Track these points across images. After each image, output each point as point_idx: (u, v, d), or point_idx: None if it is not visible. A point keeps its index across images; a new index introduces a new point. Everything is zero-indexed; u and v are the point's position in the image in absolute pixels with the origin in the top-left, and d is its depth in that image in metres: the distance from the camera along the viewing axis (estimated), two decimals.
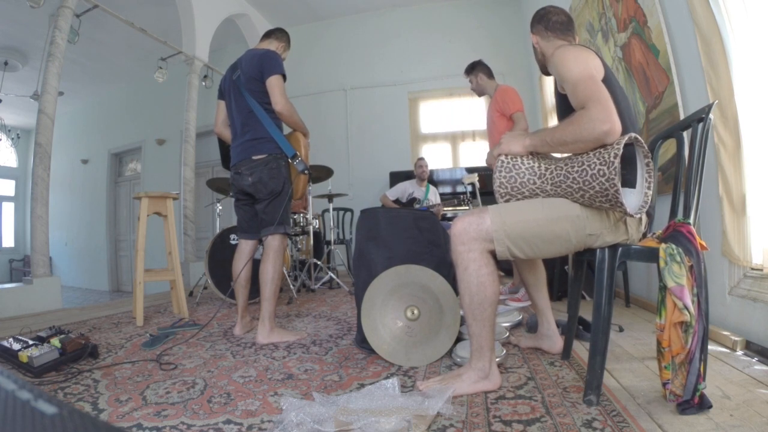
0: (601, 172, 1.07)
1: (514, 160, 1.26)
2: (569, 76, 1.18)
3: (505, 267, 3.36)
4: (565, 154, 1.23)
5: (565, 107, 1.29)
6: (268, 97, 1.98)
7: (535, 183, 1.23)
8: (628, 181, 1.15)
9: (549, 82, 4.13)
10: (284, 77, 2.00)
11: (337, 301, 2.99)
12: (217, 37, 5.05)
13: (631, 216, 1.08)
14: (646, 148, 1.12)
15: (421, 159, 4.38)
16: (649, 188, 1.12)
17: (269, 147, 1.99)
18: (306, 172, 2.04)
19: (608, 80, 1.21)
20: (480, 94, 2.96)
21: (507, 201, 1.28)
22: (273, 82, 1.96)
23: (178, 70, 5.13)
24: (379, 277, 1.63)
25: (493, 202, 1.36)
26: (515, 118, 2.70)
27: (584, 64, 1.18)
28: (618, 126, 1.08)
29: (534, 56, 1.51)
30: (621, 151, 1.04)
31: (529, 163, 1.24)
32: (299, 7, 5.63)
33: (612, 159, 1.04)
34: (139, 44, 5.39)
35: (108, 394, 1.32)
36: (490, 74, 2.91)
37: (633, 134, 1.10)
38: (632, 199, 1.14)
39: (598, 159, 1.08)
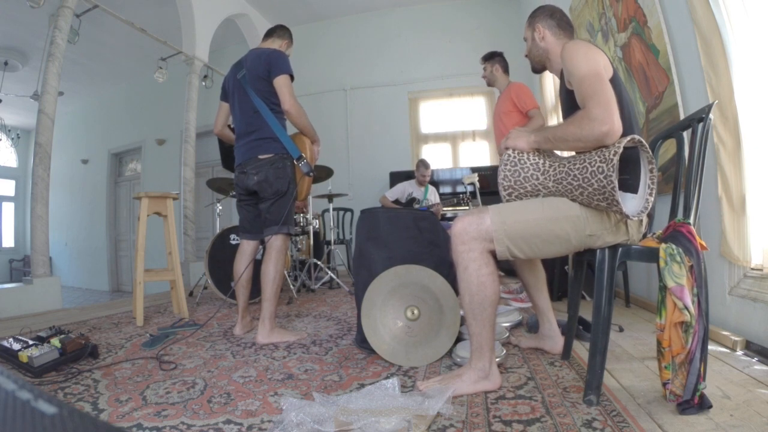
0: (600, 170, 1.07)
1: (520, 155, 1.27)
2: (577, 71, 1.18)
3: (505, 267, 3.36)
4: (571, 153, 1.24)
5: (571, 104, 1.29)
6: (275, 96, 1.99)
7: (538, 179, 1.25)
8: (630, 186, 1.16)
9: (548, 82, 4.12)
10: (292, 77, 2.00)
11: (337, 301, 2.99)
12: (217, 37, 5.05)
13: (628, 218, 1.08)
14: (651, 153, 1.12)
15: (427, 168, 4.28)
16: (651, 195, 1.12)
17: (275, 147, 1.99)
18: (310, 174, 2.04)
19: (616, 80, 1.21)
20: (490, 84, 3.05)
21: (509, 194, 1.29)
22: (281, 82, 1.96)
23: (178, 70, 5.13)
24: (379, 277, 1.63)
25: (494, 202, 1.37)
26: (532, 115, 2.80)
27: (594, 60, 1.18)
28: (618, 127, 1.08)
29: (529, 52, 1.47)
30: (621, 149, 1.05)
31: (534, 160, 1.26)
32: (299, 7, 5.63)
33: (611, 156, 1.05)
34: (139, 44, 5.39)
35: (108, 394, 1.32)
36: (506, 69, 3.01)
37: (636, 136, 1.10)
38: (633, 204, 1.15)
39: (599, 157, 1.09)
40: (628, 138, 1.08)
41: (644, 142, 1.11)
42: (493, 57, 3.01)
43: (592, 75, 1.15)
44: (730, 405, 1.05)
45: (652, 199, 1.12)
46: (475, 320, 1.23)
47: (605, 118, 1.08)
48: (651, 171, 1.12)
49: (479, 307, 1.22)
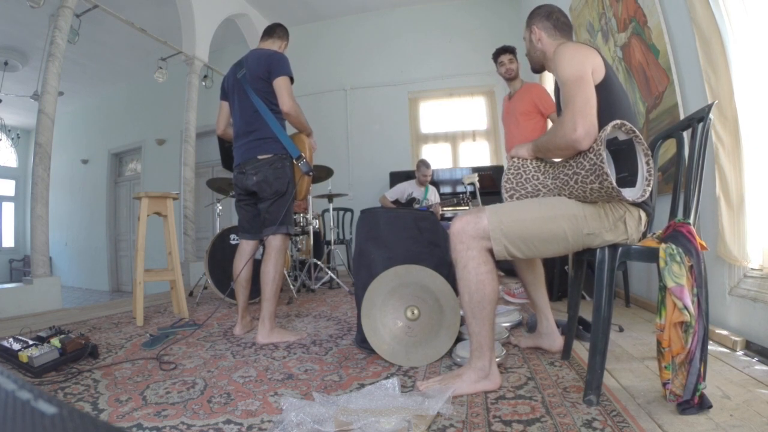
0: (591, 149, 1.11)
1: (523, 161, 1.35)
2: (561, 76, 1.20)
3: (505, 267, 3.36)
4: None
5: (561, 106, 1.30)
6: (275, 97, 1.99)
7: (538, 179, 1.31)
8: (630, 183, 1.16)
9: (549, 83, 4.12)
10: (292, 79, 2.01)
11: (337, 301, 2.99)
12: (217, 37, 5.05)
13: (620, 194, 1.08)
14: (645, 144, 1.13)
15: (428, 168, 4.27)
16: (648, 185, 1.12)
17: (275, 147, 2.00)
18: (310, 173, 2.05)
19: (609, 80, 1.21)
20: (511, 78, 2.91)
21: (511, 196, 1.33)
22: (281, 83, 1.96)
23: (178, 70, 5.13)
24: (379, 277, 1.63)
25: (494, 202, 1.39)
26: (553, 119, 2.75)
27: (579, 64, 1.18)
28: (591, 132, 1.10)
29: (528, 53, 1.47)
30: (608, 129, 1.08)
31: (536, 164, 1.34)
32: (299, 7, 5.63)
33: (601, 135, 1.08)
34: (139, 44, 5.39)
35: (108, 394, 1.32)
36: None
37: (626, 123, 1.10)
38: (630, 193, 1.15)
39: (593, 144, 1.14)
40: (615, 122, 1.08)
41: (637, 131, 1.11)
42: (515, 51, 2.94)
43: (574, 79, 1.16)
44: (730, 405, 1.05)
45: (650, 188, 1.12)
46: (474, 319, 1.23)
47: (575, 124, 1.10)
48: (648, 163, 1.12)
49: (478, 305, 1.22)
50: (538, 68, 1.48)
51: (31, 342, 1.61)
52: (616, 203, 1.18)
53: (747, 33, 1.49)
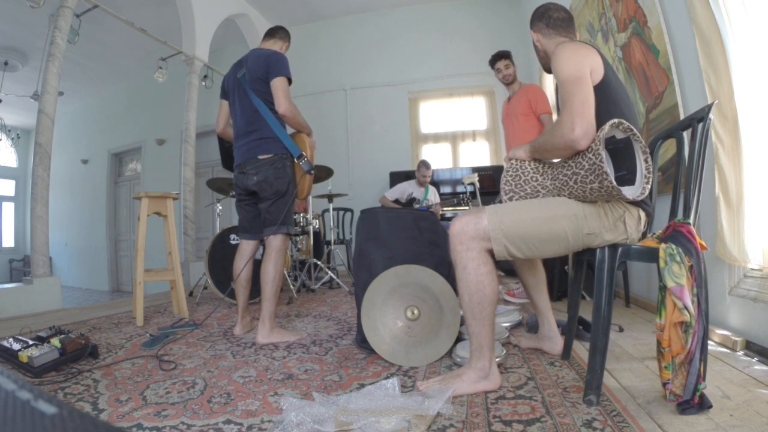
0: (590, 149, 1.11)
1: (521, 163, 1.35)
2: (559, 76, 1.20)
3: (505, 267, 3.35)
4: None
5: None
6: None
7: (537, 180, 1.31)
8: (628, 181, 1.16)
9: (549, 82, 4.12)
10: (290, 81, 2.00)
11: (337, 301, 2.99)
12: (217, 37, 5.05)
13: (620, 193, 1.08)
14: (643, 142, 1.13)
15: (428, 169, 4.25)
16: (648, 183, 1.12)
17: (275, 147, 1.99)
18: (311, 172, 2.05)
19: (608, 80, 1.20)
20: (510, 82, 2.92)
21: (510, 198, 1.33)
22: (278, 84, 1.96)
23: (178, 70, 5.13)
24: (379, 277, 1.63)
25: (494, 202, 1.39)
26: (543, 120, 2.77)
27: (577, 64, 1.17)
28: (589, 131, 1.10)
29: (536, 55, 1.49)
30: (606, 129, 1.08)
31: (534, 165, 1.34)
32: (299, 7, 5.63)
33: (599, 134, 1.09)
34: (139, 44, 5.39)
35: (108, 394, 1.32)
36: None
37: (624, 122, 1.10)
38: (629, 191, 1.15)
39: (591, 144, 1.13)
40: (613, 121, 1.08)
41: (634, 129, 1.11)
42: (510, 56, 2.95)
43: (572, 80, 1.15)
44: (730, 405, 1.05)
45: (649, 186, 1.12)
46: (474, 320, 1.23)
47: (573, 124, 1.10)
48: (646, 161, 1.12)
49: (478, 306, 1.22)
50: (547, 69, 1.47)
51: (31, 342, 1.61)
52: (616, 203, 1.18)
53: (747, 33, 1.49)
